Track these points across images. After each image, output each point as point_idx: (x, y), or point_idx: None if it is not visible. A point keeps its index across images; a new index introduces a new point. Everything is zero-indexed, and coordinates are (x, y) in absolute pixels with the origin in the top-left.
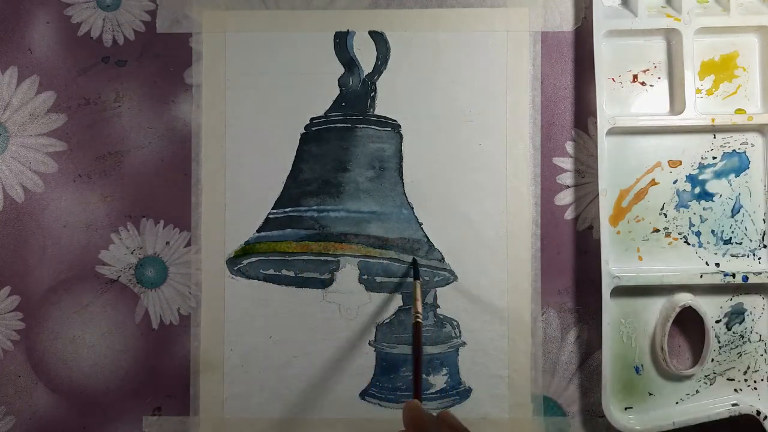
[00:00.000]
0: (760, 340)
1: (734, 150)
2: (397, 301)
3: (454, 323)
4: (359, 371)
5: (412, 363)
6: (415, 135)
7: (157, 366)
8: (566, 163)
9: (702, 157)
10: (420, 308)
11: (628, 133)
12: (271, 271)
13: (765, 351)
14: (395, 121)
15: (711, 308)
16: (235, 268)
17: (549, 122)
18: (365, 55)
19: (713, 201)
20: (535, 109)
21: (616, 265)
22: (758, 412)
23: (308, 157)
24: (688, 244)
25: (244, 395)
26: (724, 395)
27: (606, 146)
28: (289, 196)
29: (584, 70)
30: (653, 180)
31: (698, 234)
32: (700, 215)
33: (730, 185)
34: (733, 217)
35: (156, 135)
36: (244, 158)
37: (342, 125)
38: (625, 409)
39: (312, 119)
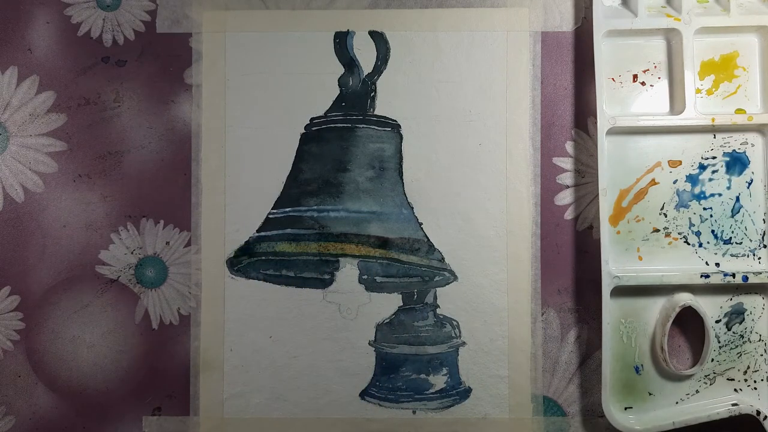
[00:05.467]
0: (760, 340)
1: (734, 150)
2: (397, 301)
3: (454, 323)
4: (359, 371)
5: None
6: (415, 135)
7: (157, 366)
8: (566, 163)
9: (702, 157)
10: None
11: (628, 133)
12: (271, 271)
13: (765, 351)
14: (395, 121)
15: (711, 308)
16: (235, 268)
17: (549, 122)
18: (365, 55)
19: (713, 201)
20: (535, 109)
21: (616, 265)
22: (758, 412)
23: (308, 157)
24: (688, 244)
25: (244, 395)
26: (724, 395)
27: (606, 146)
28: (289, 196)
29: (584, 70)
30: (653, 180)
31: (698, 234)
32: (700, 215)
33: (730, 185)
34: (733, 217)
35: (156, 135)
36: (244, 158)
37: (342, 125)
38: (625, 409)
39: (312, 119)
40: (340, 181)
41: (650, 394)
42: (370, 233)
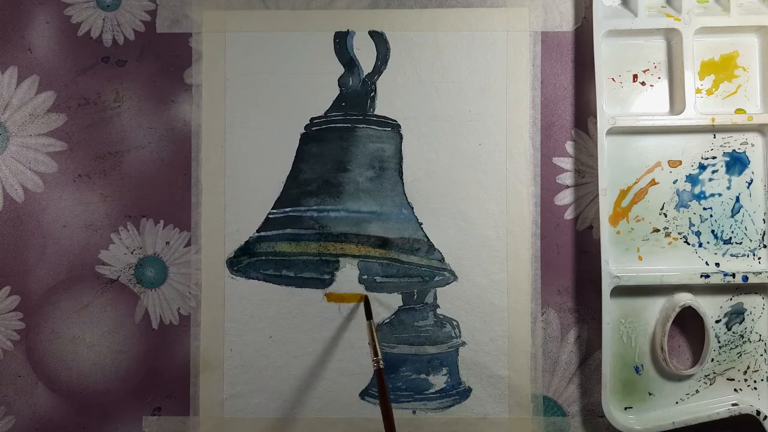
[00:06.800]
0: (760, 340)
1: (734, 150)
2: (397, 300)
3: (454, 323)
4: (359, 371)
5: (382, 412)
6: (415, 135)
7: (157, 366)
8: (566, 163)
9: (702, 157)
10: (378, 352)
11: (628, 132)
12: (271, 271)
13: (765, 351)
14: (395, 121)
15: (711, 308)
16: (235, 268)
17: (549, 122)
18: (365, 55)
19: (713, 201)
20: (535, 109)
21: (616, 265)
22: (758, 412)
23: (308, 157)
24: (688, 244)
25: (244, 395)
26: (724, 395)
27: (606, 146)
28: (289, 196)
29: (584, 70)
30: (653, 180)
31: (698, 234)
32: (700, 215)
33: (730, 185)
34: (733, 217)
35: (156, 135)
36: (244, 158)
37: (342, 125)
38: (625, 409)
39: (312, 119)
40: (340, 181)
41: (650, 394)
42: (370, 233)
